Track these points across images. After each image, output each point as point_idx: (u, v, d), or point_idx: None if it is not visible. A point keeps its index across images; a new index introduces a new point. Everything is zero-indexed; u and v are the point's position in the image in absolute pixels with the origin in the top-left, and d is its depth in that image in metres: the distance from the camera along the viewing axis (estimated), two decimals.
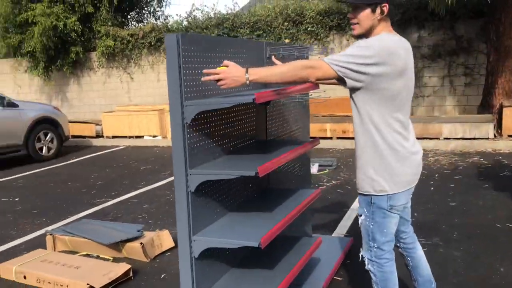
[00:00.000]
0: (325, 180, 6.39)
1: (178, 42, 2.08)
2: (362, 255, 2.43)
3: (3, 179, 7.63)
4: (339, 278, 3.40)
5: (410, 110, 2.32)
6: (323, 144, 8.98)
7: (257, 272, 2.55)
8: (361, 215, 2.36)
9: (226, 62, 2.09)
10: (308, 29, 10.86)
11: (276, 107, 3.18)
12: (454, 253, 3.68)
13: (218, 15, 11.80)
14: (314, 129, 9.11)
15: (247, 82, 2.06)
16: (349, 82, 2.12)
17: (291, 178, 3.48)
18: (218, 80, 2.06)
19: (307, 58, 3.69)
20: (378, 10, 2.17)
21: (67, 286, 3.38)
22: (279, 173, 3.25)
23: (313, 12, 10.75)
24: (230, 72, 2.05)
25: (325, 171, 6.90)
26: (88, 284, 3.29)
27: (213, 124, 2.38)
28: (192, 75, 2.16)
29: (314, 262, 3.42)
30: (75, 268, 3.58)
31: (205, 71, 2.08)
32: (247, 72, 2.05)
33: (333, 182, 6.27)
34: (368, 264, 2.41)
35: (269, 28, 11.31)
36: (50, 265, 3.67)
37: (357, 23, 2.22)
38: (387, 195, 2.23)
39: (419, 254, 2.59)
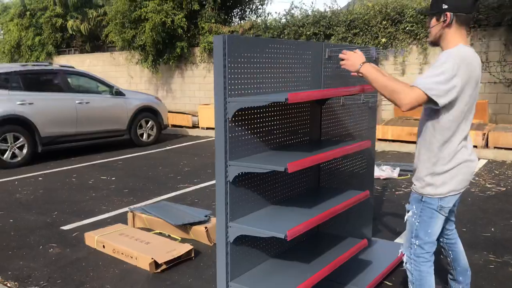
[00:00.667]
0: (403, 186, 6.19)
1: (224, 43, 2.26)
2: (401, 251, 2.56)
3: (106, 159, 8.51)
4: (389, 283, 3.36)
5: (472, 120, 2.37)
6: (410, 148, 8.64)
7: (293, 264, 2.65)
8: (408, 211, 2.48)
9: (346, 52, 2.43)
10: (407, 28, 10.46)
11: (333, 107, 3.23)
12: None
13: (315, 13, 11.83)
14: (403, 133, 8.80)
15: (358, 74, 2.34)
16: (441, 101, 2.16)
17: (346, 179, 3.50)
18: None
19: (374, 60, 3.67)
20: (441, 18, 2.29)
21: (135, 258, 3.77)
22: (331, 173, 3.29)
23: (414, 11, 10.32)
24: (352, 58, 2.37)
25: (407, 176, 6.67)
26: (152, 258, 3.65)
27: (257, 121, 2.52)
28: (236, 74, 2.32)
29: (364, 264, 3.41)
30: (146, 244, 3.97)
31: (343, 51, 2.45)
32: (362, 64, 2.31)
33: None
34: (406, 262, 2.51)
35: (366, 27, 11.08)
36: (126, 238, 4.11)
37: (430, 32, 2.38)
38: (439, 197, 2.34)
39: (460, 249, 2.76)
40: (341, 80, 3.25)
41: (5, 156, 7.80)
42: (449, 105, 2.21)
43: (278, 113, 2.68)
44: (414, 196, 2.45)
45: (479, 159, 7.90)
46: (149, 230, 4.55)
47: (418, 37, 10.41)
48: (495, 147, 8.00)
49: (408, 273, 2.51)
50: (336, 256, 2.71)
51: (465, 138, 2.34)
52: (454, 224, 2.74)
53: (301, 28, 11.96)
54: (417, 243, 2.43)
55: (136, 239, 4.09)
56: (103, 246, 4.08)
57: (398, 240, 4.21)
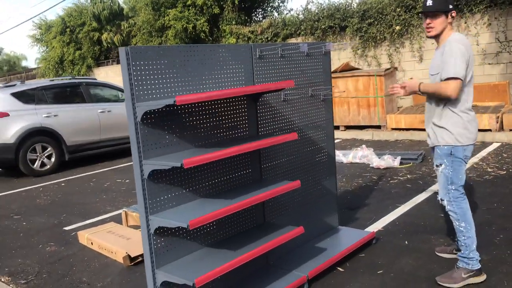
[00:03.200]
0: (401, 174, 6.17)
1: (127, 54, 2.50)
2: (441, 199, 3.15)
3: (129, 163, 9.01)
4: (341, 269, 3.47)
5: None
6: (422, 136, 8.49)
7: (223, 251, 2.85)
8: (440, 165, 3.10)
9: (404, 82, 3.13)
10: None
11: (271, 103, 3.38)
12: None
13: (330, 6, 11.82)
14: (416, 121, 8.66)
15: (418, 92, 3.04)
16: (465, 78, 2.91)
17: (295, 169, 3.64)
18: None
19: (325, 53, 3.78)
20: (449, 16, 2.97)
21: (114, 252, 4.11)
22: (275, 166, 3.44)
23: None
24: (410, 84, 3.06)
25: (409, 164, 6.62)
26: (126, 252, 3.96)
27: (173, 122, 2.74)
28: (142, 81, 2.56)
29: (315, 251, 3.54)
30: (127, 239, 4.30)
31: (403, 82, 3.13)
32: (419, 85, 3.02)
33: (408, 176, 6.03)
34: (447, 205, 3.12)
35: (380, 16, 10.95)
36: (112, 235, 4.46)
37: (433, 27, 2.99)
38: (462, 146, 3.00)
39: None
40: (275, 78, 3.39)
41: (35, 165, 8.49)
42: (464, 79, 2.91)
43: (210, 111, 2.89)
44: (443, 151, 3.06)
45: (492, 142, 7.65)
46: (139, 227, 4.89)
47: None
48: (510, 130, 7.72)
49: (451, 214, 3.11)
50: (265, 242, 2.88)
51: (471, 103, 3.06)
52: None
53: (316, 23, 11.99)
54: (453, 188, 3.06)
55: (120, 235, 4.43)
56: (91, 243, 4.45)
57: (370, 227, 4.28)
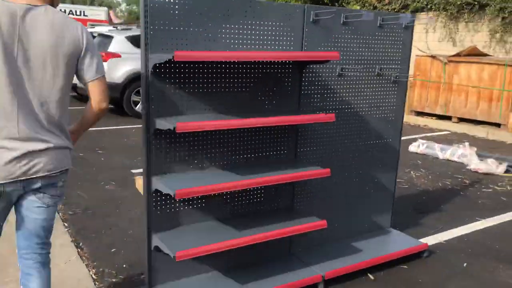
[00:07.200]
0: (500, 184, 5.26)
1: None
2: None
3: None
4: (372, 277, 3.04)
5: None
6: None
7: (228, 229, 2.62)
8: None
9: None
10: None
11: (324, 77, 2.96)
12: None
13: None
14: None
15: None
16: None
17: (340, 157, 3.21)
18: None
19: (407, 26, 3.21)
20: None
21: None
22: (316, 148, 3.05)
23: None
24: None
25: None
26: None
27: (189, 80, 2.51)
28: (158, 30, 2.35)
29: (345, 250, 3.14)
30: None
31: None
32: None
33: (508, 188, 5.11)
34: None
35: None
36: None
37: None
38: None
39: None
40: (331, 48, 2.94)
41: (137, 107, 9.00)
42: None
43: (239, 75, 2.62)
44: None
45: None
46: None
47: None
48: None
49: None
50: (274, 228, 2.58)
51: None
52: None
53: None
54: None
55: None
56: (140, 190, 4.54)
57: (429, 238, 3.69)
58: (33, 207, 1.95)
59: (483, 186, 5.14)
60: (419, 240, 3.47)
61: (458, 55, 8.70)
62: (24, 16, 1.79)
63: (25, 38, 1.79)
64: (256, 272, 2.83)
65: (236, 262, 2.88)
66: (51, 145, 1.87)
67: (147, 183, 2.51)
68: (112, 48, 8.76)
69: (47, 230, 2.05)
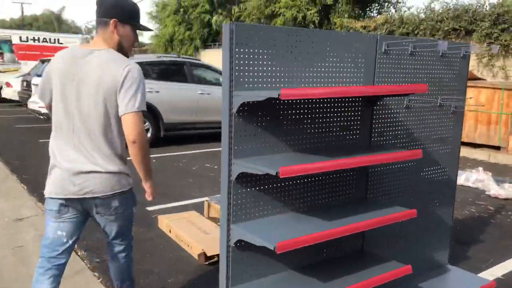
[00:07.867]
0: None
1: (231, 32, 2.10)
2: None
3: (217, 149, 8.86)
4: None
5: None
6: None
7: (305, 279, 2.38)
8: None
9: None
10: None
11: (391, 109, 2.81)
12: None
13: (457, 7, 10.65)
14: None
15: None
16: None
17: (406, 192, 3.04)
18: None
19: (463, 55, 3.12)
20: None
21: (191, 247, 3.83)
22: (386, 184, 2.88)
23: None
24: None
25: None
26: (203, 249, 3.66)
27: (272, 118, 2.31)
28: (244, 65, 2.15)
29: None
30: (205, 234, 4.00)
31: None
32: None
33: None
34: None
35: None
36: (191, 226, 4.20)
37: None
38: None
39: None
40: (399, 80, 2.81)
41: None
42: None
43: (315, 111, 2.42)
44: None
45: None
46: (219, 220, 4.59)
47: None
48: None
49: None
50: (356, 281, 2.36)
51: None
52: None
53: (439, 23, 10.89)
54: None
55: (199, 228, 4.15)
56: (170, 231, 4.23)
57: (486, 272, 3.54)
58: (98, 221, 2.43)
59: (510, 213, 5.08)
60: (482, 277, 3.31)
61: None
62: (83, 59, 2.13)
63: (77, 77, 2.11)
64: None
65: (310, 260, 2.62)
66: (98, 169, 2.20)
67: (227, 232, 2.25)
68: None
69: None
